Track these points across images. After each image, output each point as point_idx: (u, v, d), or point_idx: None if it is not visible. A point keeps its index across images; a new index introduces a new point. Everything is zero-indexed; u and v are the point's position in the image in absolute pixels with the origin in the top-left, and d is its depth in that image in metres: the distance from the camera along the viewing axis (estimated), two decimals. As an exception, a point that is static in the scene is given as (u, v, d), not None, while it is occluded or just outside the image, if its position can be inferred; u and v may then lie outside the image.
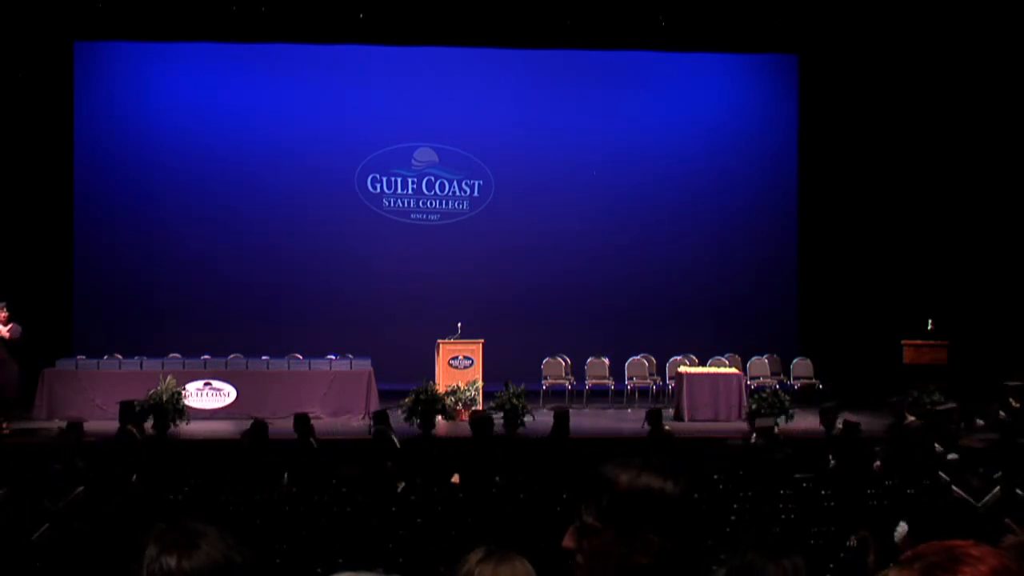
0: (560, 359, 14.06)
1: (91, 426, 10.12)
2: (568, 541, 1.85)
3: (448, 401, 11.94)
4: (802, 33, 15.08)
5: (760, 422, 9.35)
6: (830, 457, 8.24)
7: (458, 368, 12.52)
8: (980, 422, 10.06)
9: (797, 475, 7.42)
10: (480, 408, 12.22)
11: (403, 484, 7.03)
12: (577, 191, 15.77)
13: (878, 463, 7.80)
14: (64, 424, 9.48)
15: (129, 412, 9.33)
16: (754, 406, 11.53)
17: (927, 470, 6.99)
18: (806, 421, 11.46)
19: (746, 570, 2.19)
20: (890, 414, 9.98)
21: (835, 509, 6.62)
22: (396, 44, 15.14)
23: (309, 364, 12.84)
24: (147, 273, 15.20)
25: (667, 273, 15.78)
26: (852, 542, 4.99)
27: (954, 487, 5.97)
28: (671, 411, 12.77)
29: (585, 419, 12.62)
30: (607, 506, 1.82)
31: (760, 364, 14.18)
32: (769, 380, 13.77)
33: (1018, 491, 5.80)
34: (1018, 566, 1.43)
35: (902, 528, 4.64)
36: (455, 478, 7.50)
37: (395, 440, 8.20)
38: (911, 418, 9.51)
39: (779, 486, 6.93)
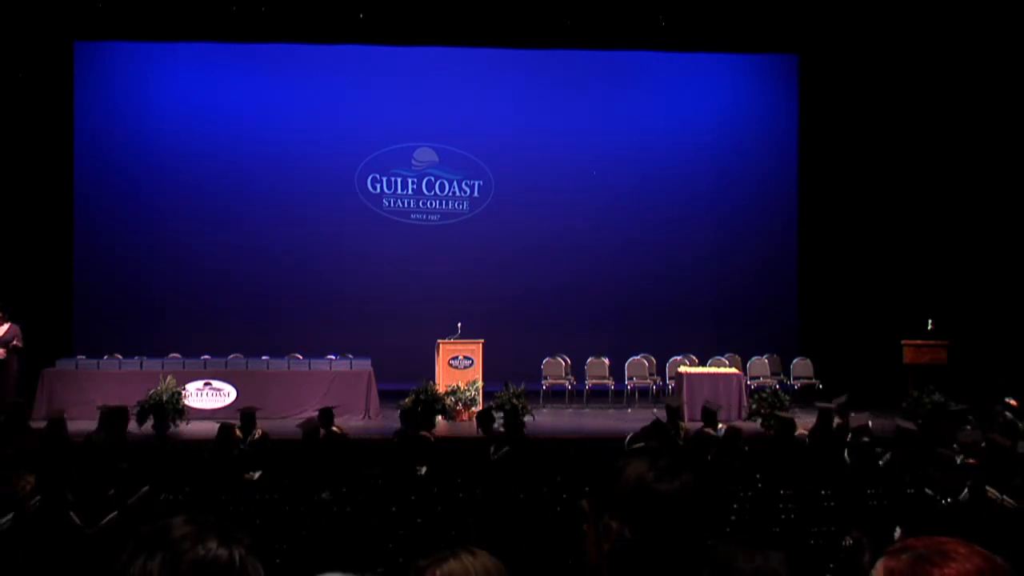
0: (560, 359, 14.06)
1: (92, 426, 10.09)
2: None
3: (448, 401, 11.94)
4: (802, 33, 15.08)
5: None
6: (846, 455, 8.22)
7: (458, 368, 12.52)
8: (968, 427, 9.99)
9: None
10: (481, 408, 12.25)
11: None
12: (577, 191, 15.77)
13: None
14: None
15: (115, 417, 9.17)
16: (754, 406, 11.52)
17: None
18: (804, 421, 11.44)
19: (719, 565, 2.13)
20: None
21: (835, 509, 6.61)
22: (396, 44, 15.14)
23: (309, 364, 12.84)
24: (147, 273, 15.20)
25: (667, 273, 15.77)
26: (847, 542, 5.00)
27: (926, 488, 6.00)
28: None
29: (585, 419, 12.63)
30: (594, 492, 1.87)
31: (760, 364, 14.18)
32: (769, 380, 13.77)
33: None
34: (1004, 567, 1.45)
35: (900, 532, 4.65)
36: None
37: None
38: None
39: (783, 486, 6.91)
